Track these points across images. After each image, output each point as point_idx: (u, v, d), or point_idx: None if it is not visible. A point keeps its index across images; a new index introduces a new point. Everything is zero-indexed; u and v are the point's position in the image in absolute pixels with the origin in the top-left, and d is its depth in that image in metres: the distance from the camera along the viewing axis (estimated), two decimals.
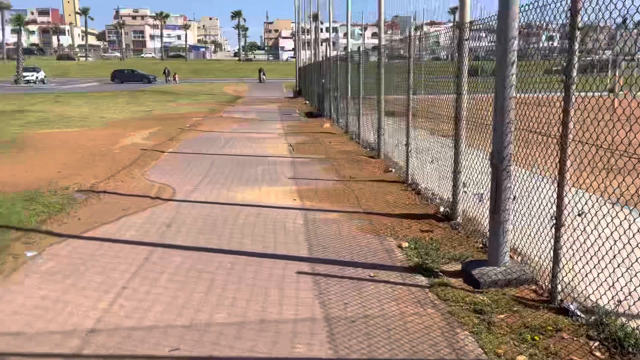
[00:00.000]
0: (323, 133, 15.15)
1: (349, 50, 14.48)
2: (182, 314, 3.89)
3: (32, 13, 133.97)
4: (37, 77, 52.02)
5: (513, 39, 4.04)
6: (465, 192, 5.88)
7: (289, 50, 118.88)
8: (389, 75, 10.24)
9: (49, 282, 4.49)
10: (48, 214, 6.59)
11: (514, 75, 4.13)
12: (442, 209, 6.45)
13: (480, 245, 5.28)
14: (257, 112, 23.69)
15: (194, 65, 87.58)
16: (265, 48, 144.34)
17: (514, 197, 4.43)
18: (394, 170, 9.16)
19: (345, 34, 17.42)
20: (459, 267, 4.69)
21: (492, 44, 5.39)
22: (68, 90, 40.41)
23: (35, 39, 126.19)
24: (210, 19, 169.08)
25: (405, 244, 5.29)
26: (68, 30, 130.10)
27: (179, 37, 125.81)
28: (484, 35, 5.98)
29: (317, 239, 5.57)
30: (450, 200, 6.25)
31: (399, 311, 3.87)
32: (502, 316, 3.75)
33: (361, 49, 12.63)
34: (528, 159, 4.37)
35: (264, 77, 56.91)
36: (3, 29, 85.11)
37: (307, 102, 29.76)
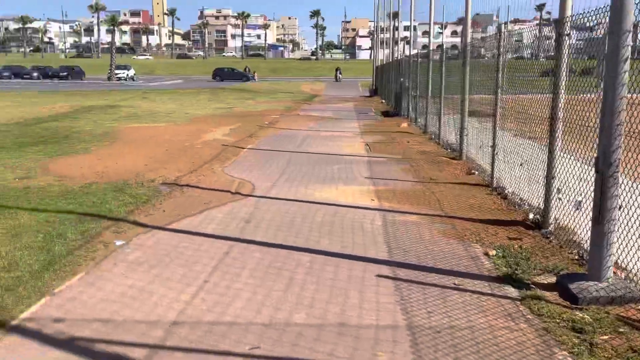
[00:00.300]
0: (400, 132, 14.85)
1: (431, 48, 14.08)
2: (262, 311, 3.86)
3: (125, 14, 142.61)
4: (127, 75, 55.26)
5: (627, 32, 3.65)
6: (560, 199, 5.46)
7: (366, 49, 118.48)
8: (473, 74, 9.81)
9: (135, 272, 4.64)
10: (135, 204, 6.87)
11: (626, 73, 3.74)
12: (531, 216, 6.05)
13: (577, 257, 4.87)
14: (333, 111, 23.71)
15: (272, 63, 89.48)
16: (342, 47, 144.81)
17: (620, 207, 4.02)
18: (477, 172, 8.76)
19: (424, 32, 16.99)
20: (553, 279, 4.34)
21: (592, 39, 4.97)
22: (155, 87, 42.55)
23: (127, 38, 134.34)
24: (289, 18, 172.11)
25: (492, 252, 4.98)
26: (156, 30, 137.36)
27: (258, 36, 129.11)
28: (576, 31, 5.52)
29: (396, 242, 5.38)
30: (542, 207, 5.84)
31: (487, 324, 3.62)
32: (605, 337, 3.40)
33: (444, 47, 12.21)
34: (635, 165, 3.96)
35: (340, 75, 57.02)
36: (99, 29, 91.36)
37: (384, 101, 29.43)
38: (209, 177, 8.79)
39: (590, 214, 4.82)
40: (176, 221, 6.21)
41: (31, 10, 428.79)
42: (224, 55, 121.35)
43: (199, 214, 6.53)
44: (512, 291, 4.16)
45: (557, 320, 3.63)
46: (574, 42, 5.62)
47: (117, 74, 53.92)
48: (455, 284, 4.31)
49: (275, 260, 4.91)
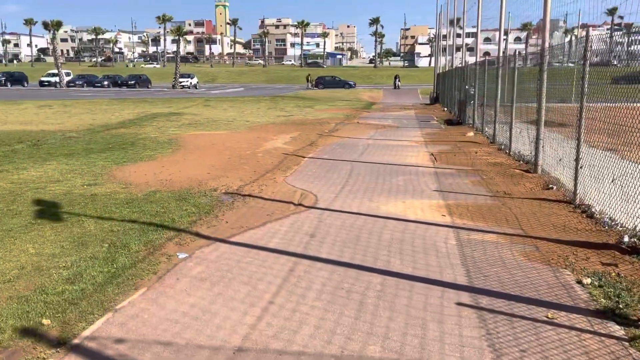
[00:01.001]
0: (466, 142, 14.21)
1: (501, 54, 13.38)
2: (332, 341, 3.54)
3: (190, 24, 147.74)
4: (191, 83, 56.89)
5: None
6: None
7: (425, 57, 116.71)
8: (551, 81, 9.15)
9: (198, 289, 4.44)
10: (198, 214, 6.75)
11: None
12: (626, 239, 5.41)
13: None
14: (393, 119, 23.22)
15: (331, 72, 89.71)
16: (401, 54, 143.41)
17: None
18: (555, 187, 8.10)
19: (486, 39, 16.25)
20: None
21: None
22: (216, 95, 43.49)
23: (190, 47, 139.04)
24: (348, 26, 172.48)
25: (586, 280, 4.44)
26: (219, 40, 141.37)
27: (317, 44, 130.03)
28: None
29: (475, 265, 4.93)
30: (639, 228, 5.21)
31: None
32: None
33: (516, 53, 11.53)
34: None
35: (399, 83, 56.28)
36: (165, 39, 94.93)
37: (446, 109, 28.60)
38: (270, 186, 8.61)
39: None
40: (239, 234, 6.02)
41: (103, 22, 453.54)
42: (283, 64, 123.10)
43: (261, 226, 6.32)
44: (616, 329, 3.63)
45: None
46: None
47: (181, 82, 55.62)
48: (547, 317, 3.82)
49: (343, 281, 4.58)
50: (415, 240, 5.73)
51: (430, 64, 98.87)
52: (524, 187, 8.41)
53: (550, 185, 8.24)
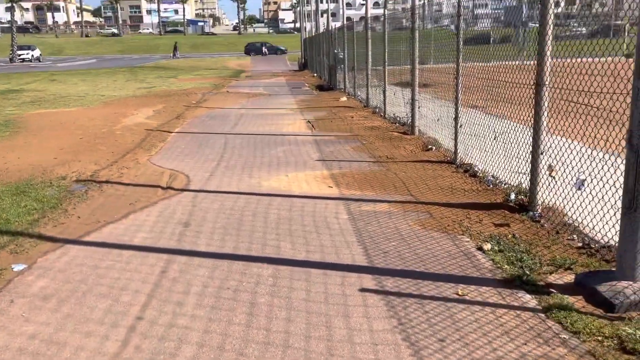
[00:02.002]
0: (341, 107, 13.98)
1: (369, 16, 13.19)
2: None
3: None
4: (32, 56, 50.43)
5: None
6: (553, 177, 4.77)
7: (289, 23, 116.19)
8: (424, 42, 9.04)
9: (40, 311, 3.45)
10: (41, 211, 5.54)
11: None
12: (513, 196, 5.36)
13: (580, 244, 4.21)
14: (264, 86, 22.44)
15: (193, 39, 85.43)
16: (265, 21, 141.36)
17: None
18: (434, 148, 8.04)
19: (347, 4, 16.11)
20: (569, 278, 3.63)
21: None
22: (65, 69, 39.00)
23: (30, 16, 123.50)
24: None
25: (486, 246, 4.22)
26: (63, 7, 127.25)
27: (176, 11, 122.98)
28: None
29: (372, 240, 4.50)
30: (527, 186, 5.16)
31: (518, 353, 2.82)
32: None
33: (386, 14, 11.35)
34: None
35: (266, 50, 55.21)
36: None
37: (315, 74, 28.44)
38: (133, 169, 7.49)
39: (592, 194, 4.18)
40: (95, 230, 4.99)
41: None
42: (139, 32, 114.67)
43: (123, 218, 5.33)
44: (528, 299, 3.40)
45: (600, 339, 2.89)
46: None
47: (20, 54, 49.07)
48: (458, 294, 3.49)
49: (228, 278, 3.87)
50: (305, 218, 5.17)
51: (295, 30, 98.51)
52: (404, 149, 8.26)
53: (430, 146, 8.17)
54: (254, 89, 21.49)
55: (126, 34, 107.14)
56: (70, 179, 6.93)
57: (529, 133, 5.01)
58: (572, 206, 4.45)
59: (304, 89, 20.98)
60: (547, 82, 4.78)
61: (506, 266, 3.86)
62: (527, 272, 3.70)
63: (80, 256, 4.38)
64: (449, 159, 7.31)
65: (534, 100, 4.91)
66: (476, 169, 6.52)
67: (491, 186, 5.89)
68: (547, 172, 4.80)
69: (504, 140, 5.83)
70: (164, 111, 14.11)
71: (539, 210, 4.93)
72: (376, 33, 12.71)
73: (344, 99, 15.65)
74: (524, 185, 5.37)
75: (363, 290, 3.61)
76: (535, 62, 4.83)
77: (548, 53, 4.73)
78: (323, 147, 8.69)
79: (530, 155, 4.98)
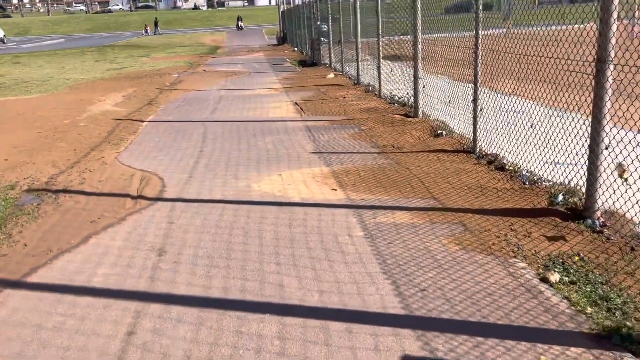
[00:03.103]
0: (329, 85, 12.85)
1: None
2: None
3: None
4: None
5: None
6: (625, 179, 3.81)
7: None
8: (427, 9, 7.95)
9: None
10: None
11: None
12: (560, 198, 4.41)
13: None
14: (243, 64, 21.10)
15: (165, 15, 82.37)
16: None
17: None
18: (444, 133, 7.05)
19: None
20: None
21: None
22: (29, 50, 36.85)
23: None
24: None
25: (553, 276, 3.26)
26: None
27: None
28: None
29: (401, 270, 3.51)
30: (577, 183, 4.21)
31: None
32: None
33: None
34: None
35: (242, 24, 53.21)
36: None
37: (296, 49, 27.08)
38: (97, 171, 6.36)
39: None
40: (44, 265, 3.91)
41: None
42: (109, 9, 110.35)
43: (82, 244, 4.26)
44: None
45: None
46: None
47: None
48: None
49: (218, 342, 2.86)
50: (310, 236, 4.15)
51: (270, 2, 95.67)
52: (411, 136, 7.24)
53: (439, 131, 7.17)
54: (232, 66, 20.15)
55: (95, 10, 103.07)
56: (21, 188, 5.79)
57: (577, 120, 4.03)
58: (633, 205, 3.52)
59: (286, 65, 19.72)
60: (611, 58, 3.78)
61: (589, 309, 2.91)
62: (624, 322, 2.75)
63: (22, 309, 3.32)
64: (466, 147, 6.32)
65: (593, 80, 3.91)
66: (504, 160, 5.54)
67: (527, 184, 4.93)
68: (617, 173, 3.84)
69: (540, 128, 4.86)
70: (134, 96, 12.83)
71: (600, 218, 3.99)
72: (366, 2, 11.54)
73: (331, 75, 14.51)
74: (572, 183, 4.42)
75: (406, 358, 2.63)
76: (597, 31, 3.81)
77: (614, 17, 3.72)
78: (317, 136, 7.62)
79: (588, 150, 4.01)
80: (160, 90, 13.73)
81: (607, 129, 3.86)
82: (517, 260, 3.54)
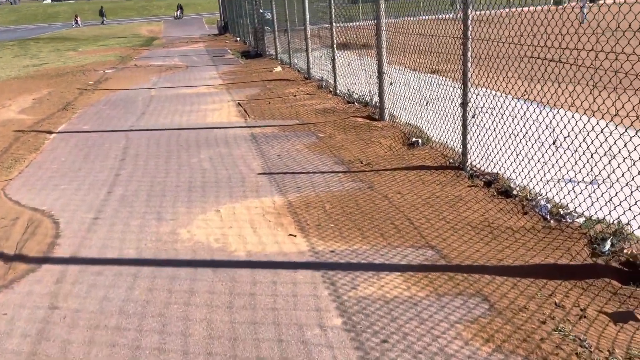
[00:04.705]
0: (277, 81, 11.37)
1: None
2: None
3: None
4: None
5: None
6: None
7: None
8: None
9: None
10: None
11: None
12: (608, 246, 3.19)
13: None
14: (181, 56, 19.23)
15: (97, 5, 77.71)
16: None
17: None
18: (420, 141, 5.78)
19: None
20: None
21: None
22: None
23: None
24: None
25: None
26: None
27: None
28: None
29: None
30: (628, 224, 3.02)
31: None
32: None
33: None
34: None
35: (180, 13, 50.45)
36: None
37: (238, 39, 25.29)
38: None
39: None
40: None
41: None
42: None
43: None
44: None
45: None
46: None
47: None
48: None
49: None
50: (261, 331, 2.75)
51: None
52: (380, 146, 5.93)
53: (414, 139, 5.89)
54: (168, 59, 18.26)
55: (23, 1, 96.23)
56: None
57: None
58: None
59: (228, 57, 18.02)
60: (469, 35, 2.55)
61: None
62: None
63: None
64: (452, 162, 5.06)
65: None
66: (509, 182, 4.30)
67: (551, 219, 3.70)
68: None
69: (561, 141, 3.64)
70: (48, 99, 10.91)
71: None
72: None
73: (278, 69, 13.01)
74: (612, 217, 3.21)
75: None
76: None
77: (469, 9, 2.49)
78: (265, 148, 6.18)
79: None
80: (81, 91, 11.84)
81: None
82: None
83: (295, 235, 3.81)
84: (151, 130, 7.62)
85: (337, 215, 4.11)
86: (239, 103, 9.12)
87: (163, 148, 6.56)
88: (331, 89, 9.29)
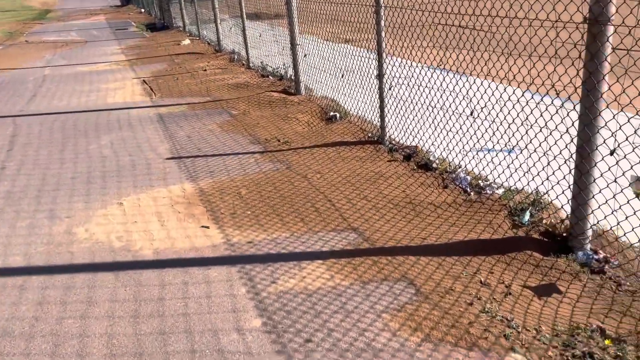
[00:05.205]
0: (186, 55, 10.71)
1: None
2: None
3: None
4: None
5: None
6: None
7: None
8: None
9: None
10: None
11: None
12: (527, 217, 3.17)
13: None
14: (78, 30, 17.73)
15: None
16: None
17: None
18: (338, 115, 5.59)
19: None
20: None
21: None
22: None
23: None
24: None
25: None
26: None
27: None
28: None
29: None
30: (548, 192, 3.01)
31: None
32: None
33: None
34: None
35: None
36: None
37: (143, 10, 23.78)
38: None
39: None
40: None
41: None
42: None
43: None
44: None
45: None
46: None
47: None
48: None
49: None
50: (171, 343, 2.45)
51: None
52: (298, 122, 5.67)
53: (332, 113, 5.68)
54: (65, 34, 16.76)
55: None
56: None
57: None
58: None
59: (132, 30, 16.83)
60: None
61: None
62: None
63: None
64: (370, 135, 4.92)
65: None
66: (430, 156, 4.21)
67: (471, 192, 3.64)
68: (633, 190, 2.63)
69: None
70: None
71: (599, 252, 2.80)
72: None
73: (187, 42, 12.28)
74: (530, 186, 3.20)
75: None
76: None
77: None
78: (174, 129, 5.73)
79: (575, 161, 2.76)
80: None
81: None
82: (518, 357, 2.20)
83: (208, 227, 3.50)
84: (44, 114, 6.86)
85: (254, 201, 3.83)
86: (144, 80, 8.46)
87: (57, 134, 5.91)
88: (244, 62, 8.86)
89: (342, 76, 5.66)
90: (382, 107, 4.62)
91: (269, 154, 4.76)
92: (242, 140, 5.18)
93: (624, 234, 2.72)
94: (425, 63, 4.27)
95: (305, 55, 6.47)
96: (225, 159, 4.72)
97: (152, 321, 2.59)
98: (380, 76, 4.54)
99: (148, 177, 4.46)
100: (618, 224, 2.72)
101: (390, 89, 4.51)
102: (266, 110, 6.17)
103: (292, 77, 6.75)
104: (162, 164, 4.73)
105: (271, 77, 7.64)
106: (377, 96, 4.64)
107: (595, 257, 2.76)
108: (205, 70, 8.78)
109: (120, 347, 2.43)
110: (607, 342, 2.20)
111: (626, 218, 2.67)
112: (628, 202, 2.65)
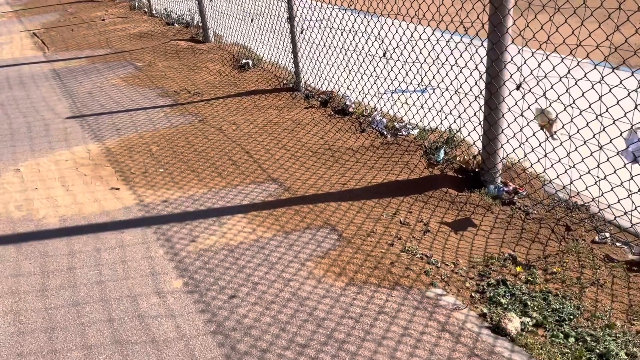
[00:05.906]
0: (81, 3, 9.80)
1: None
2: None
3: None
4: None
5: None
6: (555, 139, 2.71)
7: None
8: None
9: None
10: None
11: None
12: (442, 156, 3.25)
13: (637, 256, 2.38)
14: None
15: None
16: None
17: None
18: (250, 63, 5.39)
19: None
20: None
21: None
22: None
23: None
24: None
25: (510, 323, 2.05)
26: None
27: None
28: None
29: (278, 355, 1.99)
30: (458, 130, 3.09)
31: None
32: None
33: None
34: None
35: None
36: None
37: None
38: None
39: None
40: None
41: None
42: None
43: None
44: None
45: None
46: None
47: None
48: None
49: None
50: (86, 313, 2.30)
51: None
52: (208, 71, 5.40)
53: (245, 61, 5.46)
54: None
55: None
56: None
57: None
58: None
59: None
60: None
61: None
62: None
63: None
64: (285, 82, 4.79)
65: None
66: (346, 101, 4.17)
67: (388, 134, 3.66)
68: (539, 122, 2.72)
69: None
70: None
71: (509, 184, 2.93)
72: None
73: None
74: (438, 121, 3.27)
75: None
76: None
77: None
78: (73, 85, 5.27)
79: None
80: None
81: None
82: (438, 291, 2.28)
83: (118, 189, 3.29)
84: None
85: (166, 157, 3.64)
86: (34, 33, 7.67)
87: None
88: (146, 10, 8.25)
89: (252, 20, 5.42)
90: (295, 52, 4.48)
91: (179, 106, 4.52)
92: (149, 94, 4.87)
93: (531, 165, 2.86)
94: (335, 4, 4.15)
95: (210, 0, 6.11)
96: (132, 114, 4.42)
97: (63, 293, 2.42)
98: (291, 19, 4.37)
99: (47, 139, 4.10)
100: (525, 156, 2.84)
101: (302, 32, 4.37)
102: (174, 60, 5.82)
103: (200, 24, 6.39)
104: (62, 124, 4.35)
105: (177, 25, 7.18)
106: (290, 41, 4.48)
107: (506, 189, 2.88)
108: (103, 19, 8.10)
109: (29, 323, 2.26)
110: (518, 268, 2.32)
111: (532, 150, 2.79)
112: (534, 134, 2.77)
